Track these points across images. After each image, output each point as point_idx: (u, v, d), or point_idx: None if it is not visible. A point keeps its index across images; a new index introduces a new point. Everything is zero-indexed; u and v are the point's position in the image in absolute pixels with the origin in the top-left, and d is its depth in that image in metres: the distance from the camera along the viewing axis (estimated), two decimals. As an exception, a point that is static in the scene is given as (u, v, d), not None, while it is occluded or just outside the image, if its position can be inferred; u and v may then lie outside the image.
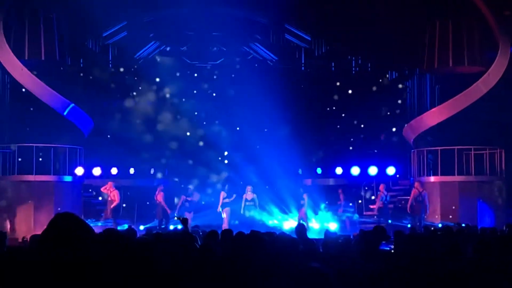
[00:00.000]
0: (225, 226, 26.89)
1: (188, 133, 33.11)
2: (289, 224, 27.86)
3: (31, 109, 29.59)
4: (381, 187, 28.92)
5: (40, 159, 28.22)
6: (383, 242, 9.78)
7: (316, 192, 29.90)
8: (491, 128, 28.36)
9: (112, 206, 28.04)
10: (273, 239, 7.84)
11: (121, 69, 32.86)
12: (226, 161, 32.89)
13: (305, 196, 28.65)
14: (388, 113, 33.50)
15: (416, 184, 27.92)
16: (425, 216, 27.42)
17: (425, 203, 27.33)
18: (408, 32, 29.79)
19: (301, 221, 28.16)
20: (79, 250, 3.91)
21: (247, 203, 28.56)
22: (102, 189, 28.50)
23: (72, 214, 4.26)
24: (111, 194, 28.07)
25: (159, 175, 31.80)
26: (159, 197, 28.53)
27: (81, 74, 32.25)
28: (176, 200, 30.03)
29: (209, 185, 32.04)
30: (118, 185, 28.82)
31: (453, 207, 27.49)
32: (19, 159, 28.01)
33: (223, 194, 28.58)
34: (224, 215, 28.31)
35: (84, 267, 3.79)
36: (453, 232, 14.49)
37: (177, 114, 33.20)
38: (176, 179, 32.43)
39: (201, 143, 32.94)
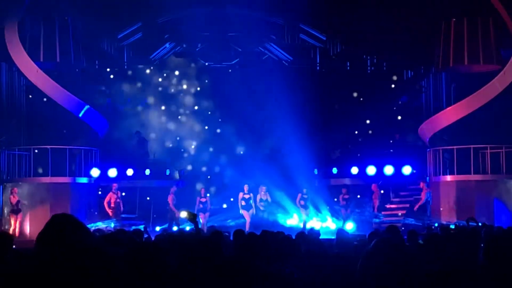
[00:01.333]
0: (247, 227, 26.86)
1: (204, 132, 33.15)
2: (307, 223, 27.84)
3: (47, 111, 29.66)
4: (374, 186, 28.88)
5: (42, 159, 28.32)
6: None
7: (330, 192, 29.93)
8: (507, 126, 28.19)
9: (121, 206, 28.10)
10: (278, 240, 7.82)
11: (147, 70, 32.83)
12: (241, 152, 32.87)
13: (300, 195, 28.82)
14: (400, 117, 33.38)
15: (422, 184, 27.86)
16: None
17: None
18: (423, 30, 29.69)
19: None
20: (74, 252, 3.87)
21: (261, 203, 28.55)
22: (106, 202, 28.20)
23: (70, 215, 4.21)
24: (118, 194, 28.13)
25: (176, 176, 31.73)
26: (169, 198, 28.58)
27: (97, 76, 32.32)
28: (198, 186, 30.22)
29: (225, 186, 31.99)
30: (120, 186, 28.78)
31: (468, 206, 27.38)
32: (35, 161, 28.14)
33: (241, 195, 28.54)
34: (245, 216, 28.30)
35: (79, 269, 3.76)
36: (468, 231, 14.38)
37: (192, 114, 33.24)
38: (204, 168, 32.49)
39: (214, 140, 32.99)
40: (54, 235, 4.07)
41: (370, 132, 33.56)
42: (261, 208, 28.57)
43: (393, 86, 33.51)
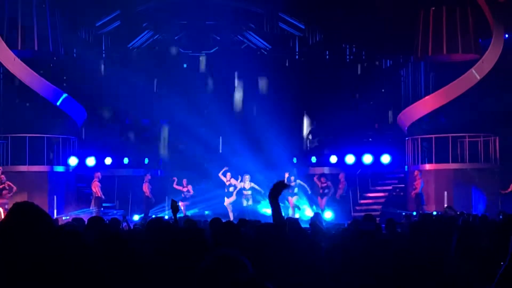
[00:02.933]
0: (230, 216, 26.74)
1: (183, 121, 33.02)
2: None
3: (24, 99, 29.50)
4: (341, 176, 28.86)
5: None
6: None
7: (309, 181, 29.84)
8: (485, 115, 28.31)
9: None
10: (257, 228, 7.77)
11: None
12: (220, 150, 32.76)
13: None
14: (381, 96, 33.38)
15: (416, 172, 27.84)
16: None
17: None
18: (402, 19, 29.67)
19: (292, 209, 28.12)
20: (36, 242, 3.81)
21: (245, 192, 28.32)
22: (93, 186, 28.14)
23: (31, 203, 4.15)
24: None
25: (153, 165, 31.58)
26: (145, 187, 28.52)
27: (75, 64, 32.11)
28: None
29: (206, 173, 31.84)
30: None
31: (447, 194, 27.47)
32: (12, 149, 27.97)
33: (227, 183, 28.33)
34: (226, 204, 28.10)
35: (41, 261, 3.69)
36: (445, 220, 14.42)
37: (171, 103, 33.09)
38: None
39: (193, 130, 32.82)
40: (15, 223, 4.01)
41: (351, 119, 33.33)
42: (248, 197, 28.25)
43: (370, 75, 33.52)
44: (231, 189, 28.37)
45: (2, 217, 25.53)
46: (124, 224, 15.51)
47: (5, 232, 4.00)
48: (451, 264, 6.82)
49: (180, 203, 27.61)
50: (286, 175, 28.50)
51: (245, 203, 28.29)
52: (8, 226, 4.03)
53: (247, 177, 28.50)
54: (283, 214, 7.65)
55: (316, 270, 6.21)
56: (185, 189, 28.61)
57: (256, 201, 28.73)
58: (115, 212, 27.26)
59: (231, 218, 25.91)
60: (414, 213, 25.69)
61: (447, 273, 6.47)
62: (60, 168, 28.22)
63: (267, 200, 25.93)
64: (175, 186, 28.46)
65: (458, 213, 19.79)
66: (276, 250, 6.10)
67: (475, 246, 7.28)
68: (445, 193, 27.61)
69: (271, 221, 7.51)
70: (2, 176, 26.51)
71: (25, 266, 3.70)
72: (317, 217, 14.78)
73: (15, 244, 3.87)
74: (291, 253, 6.23)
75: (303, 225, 13.27)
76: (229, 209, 28.11)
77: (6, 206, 25.98)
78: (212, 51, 33.18)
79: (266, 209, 28.74)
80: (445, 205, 24.02)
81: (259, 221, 10.87)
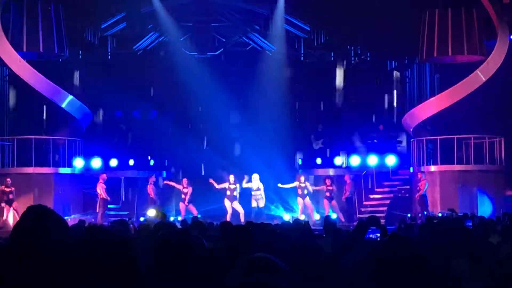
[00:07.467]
0: (228, 217, 26.57)
1: (189, 123, 33.09)
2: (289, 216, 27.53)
3: (30, 101, 29.53)
4: (347, 177, 28.81)
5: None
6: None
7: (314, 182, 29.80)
8: (490, 116, 28.31)
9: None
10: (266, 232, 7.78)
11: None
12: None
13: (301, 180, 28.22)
14: (386, 103, 33.39)
15: (419, 174, 27.81)
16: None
17: None
18: (407, 21, 29.65)
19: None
20: (48, 244, 3.78)
21: (254, 193, 28.12)
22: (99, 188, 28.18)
23: (45, 206, 4.10)
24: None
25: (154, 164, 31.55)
26: (149, 189, 28.53)
27: (80, 66, 32.14)
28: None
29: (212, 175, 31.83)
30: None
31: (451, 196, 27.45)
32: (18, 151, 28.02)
33: (226, 185, 28.14)
34: (228, 208, 27.92)
35: (51, 262, 3.66)
36: (449, 221, 14.44)
37: (177, 104, 33.11)
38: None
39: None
40: (29, 226, 3.98)
41: (355, 120, 33.26)
42: (257, 197, 28.06)
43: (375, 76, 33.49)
44: (235, 193, 28.14)
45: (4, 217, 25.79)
46: (130, 226, 15.56)
47: (19, 234, 3.97)
48: (460, 265, 6.82)
49: (180, 204, 27.85)
50: (302, 179, 28.33)
51: (254, 204, 28.07)
52: (22, 229, 4.00)
53: (256, 176, 28.26)
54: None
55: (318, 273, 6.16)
56: (184, 190, 28.52)
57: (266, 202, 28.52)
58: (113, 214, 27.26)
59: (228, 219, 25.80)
60: (420, 215, 25.71)
61: (455, 275, 6.48)
62: (65, 170, 28.27)
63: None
64: (168, 182, 28.67)
65: (461, 215, 19.81)
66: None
67: (485, 249, 7.31)
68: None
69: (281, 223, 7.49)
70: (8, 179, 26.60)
71: (39, 269, 3.68)
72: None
73: (30, 247, 3.84)
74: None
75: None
76: (229, 212, 27.88)
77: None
78: (217, 52, 33.16)
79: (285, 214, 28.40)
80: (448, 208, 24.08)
81: (270, 224, 10.77)
